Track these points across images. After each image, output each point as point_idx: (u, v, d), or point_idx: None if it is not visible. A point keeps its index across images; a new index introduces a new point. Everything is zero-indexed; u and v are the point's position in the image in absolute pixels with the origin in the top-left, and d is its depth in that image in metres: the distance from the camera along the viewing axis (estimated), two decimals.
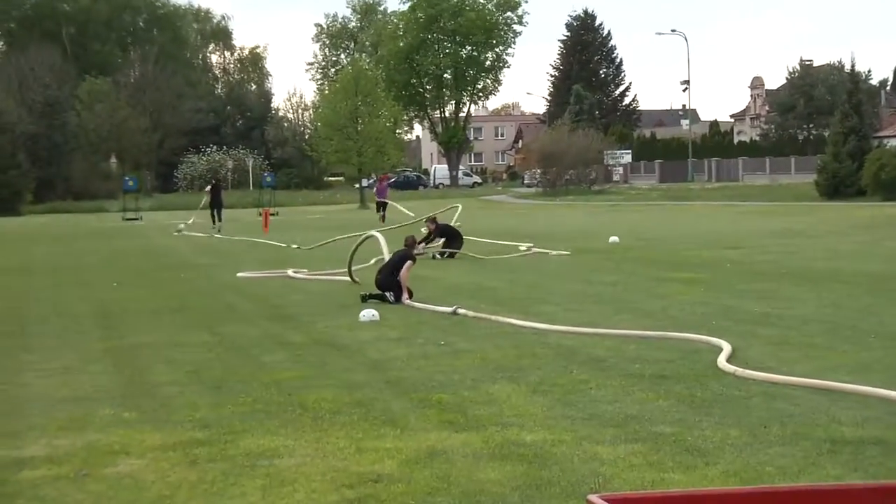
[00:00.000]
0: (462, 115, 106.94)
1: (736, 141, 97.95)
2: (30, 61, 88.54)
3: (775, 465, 6.45)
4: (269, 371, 10.06)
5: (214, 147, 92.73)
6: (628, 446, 6.96)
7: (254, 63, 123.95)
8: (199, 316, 14.42)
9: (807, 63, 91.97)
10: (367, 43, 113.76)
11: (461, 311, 13.53)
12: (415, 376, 9.57)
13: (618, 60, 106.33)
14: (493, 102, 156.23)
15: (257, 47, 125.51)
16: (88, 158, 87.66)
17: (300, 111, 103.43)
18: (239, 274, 20.03)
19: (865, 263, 19.23)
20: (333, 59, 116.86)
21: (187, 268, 22.48)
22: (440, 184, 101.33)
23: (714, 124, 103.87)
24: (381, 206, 42.91)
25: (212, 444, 7.37)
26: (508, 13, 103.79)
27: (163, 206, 66.95)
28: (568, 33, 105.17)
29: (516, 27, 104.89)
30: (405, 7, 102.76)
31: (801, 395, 8.30)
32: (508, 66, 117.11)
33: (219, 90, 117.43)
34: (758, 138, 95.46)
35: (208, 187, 44.00)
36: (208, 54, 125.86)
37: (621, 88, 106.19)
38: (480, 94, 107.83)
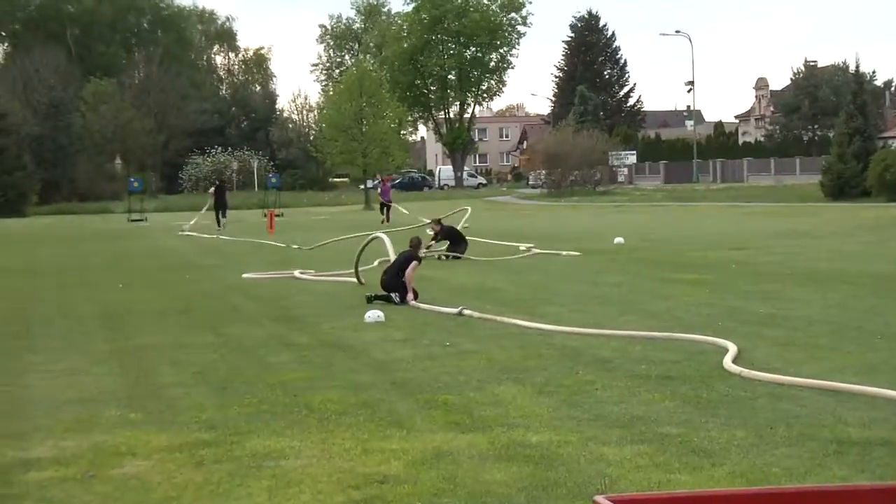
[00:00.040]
0: (466, 116, 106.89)
1: (741, 142, 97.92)
2: (34, 63, 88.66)
3: (782, 467, 6.45)
4: (275, 372, 10.06)
5: (219, 148, 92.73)
6: (634, 447, 6.96)
7: (258, 64, 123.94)
8: (204, 317, 14.43)
9: (811, 64, 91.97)
10: (372, 44, 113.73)
11: (467, 311, 13.54)
12: (420, 377, 9.57)
13: (622, 61, 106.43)
14: (498, 103, 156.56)
15: (262, 48, 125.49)
16: (93, 160, 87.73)
17: (305, 112, 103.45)
18: (244, 275, 20.05)
19: (871, 264, 19.22)
20: (338, 60, 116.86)
21: (192, 269, 22.50)
22: (445, 185, 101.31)
23: (719, 125, 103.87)
24: (385, 207, 43.18)
25: (218, 445, 7.37)
26: (512, 14, 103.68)
27: (168, 208, 66.98)
28: (572, 34, 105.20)
29: (520, 28, 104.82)
30: (409, 8, 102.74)
31: (808, 396, 8.30)
32: (513, 67, 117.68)
33: (223, 91, 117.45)
34: (762, 139, 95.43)
35: (212, 189, 44.06)
36: (213, 55, 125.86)
37: (626, 89, 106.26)
38: (485, 95, 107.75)
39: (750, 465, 6.49)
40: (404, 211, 43.10)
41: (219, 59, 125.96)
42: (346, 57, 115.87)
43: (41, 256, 28.39)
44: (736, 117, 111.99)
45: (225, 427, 7.86)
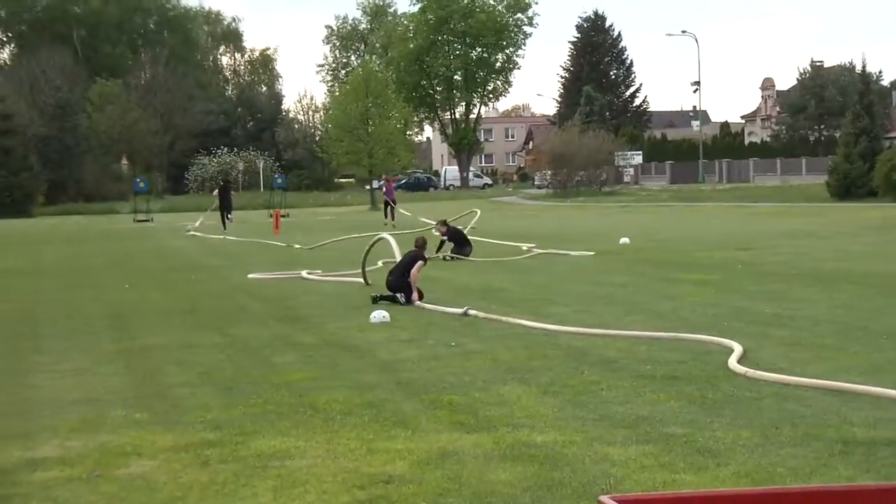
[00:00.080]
0: (472, 116, 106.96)
1: (747, 142, 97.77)
2: (41, 64, 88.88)
3: (787, 466, 6.44)
4: (280, 372, 10.08)
5: (225, 149, 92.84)
6: (639, 447, 6.95)
7: (264, 65, 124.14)
8: (210, 317, 14.44)
9: (818, 64, 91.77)
10: (378, 44, 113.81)
11: (472, 312, 13.54)
12: (425, 377, 9.57)
13: (628, 62, 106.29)
14: (504, 104, 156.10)
15: (268, 49, 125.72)
16: (99, 160, 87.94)
17: (311, 113, 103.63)
18: (250, 275, 20.07)
19: (877, 264, 19.18)
20: (344, 60, 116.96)
21: (198, 269, 22.53)
22: (451, 185, 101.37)
23: (725, 125, 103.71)
24: (388, 206, 43.36)
25: (223, 445, 7.38)
26: (518, 14, 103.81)
27: (174, 208, 67.11)
28: (578, 35, 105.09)
29: (526, 29, 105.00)
30: (415, 9, 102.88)
31: (813, 396, 8.29)
32: (519, 68, 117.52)
33: (229, 92, 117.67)
34: (769, 139, 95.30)
35: (216, 190, 44.12)
36: (219, 56, 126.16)
37: (632, 90, 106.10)
38: (491, 95, 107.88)
39: (755, 465, 6.49)
40: (406, 213, 43.17)
41: (225, 60, 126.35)
42: (353, 57, 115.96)
43: (47, 257, 28.45)
44: (742, 117, 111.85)
45: (230, 427, 7.87)
